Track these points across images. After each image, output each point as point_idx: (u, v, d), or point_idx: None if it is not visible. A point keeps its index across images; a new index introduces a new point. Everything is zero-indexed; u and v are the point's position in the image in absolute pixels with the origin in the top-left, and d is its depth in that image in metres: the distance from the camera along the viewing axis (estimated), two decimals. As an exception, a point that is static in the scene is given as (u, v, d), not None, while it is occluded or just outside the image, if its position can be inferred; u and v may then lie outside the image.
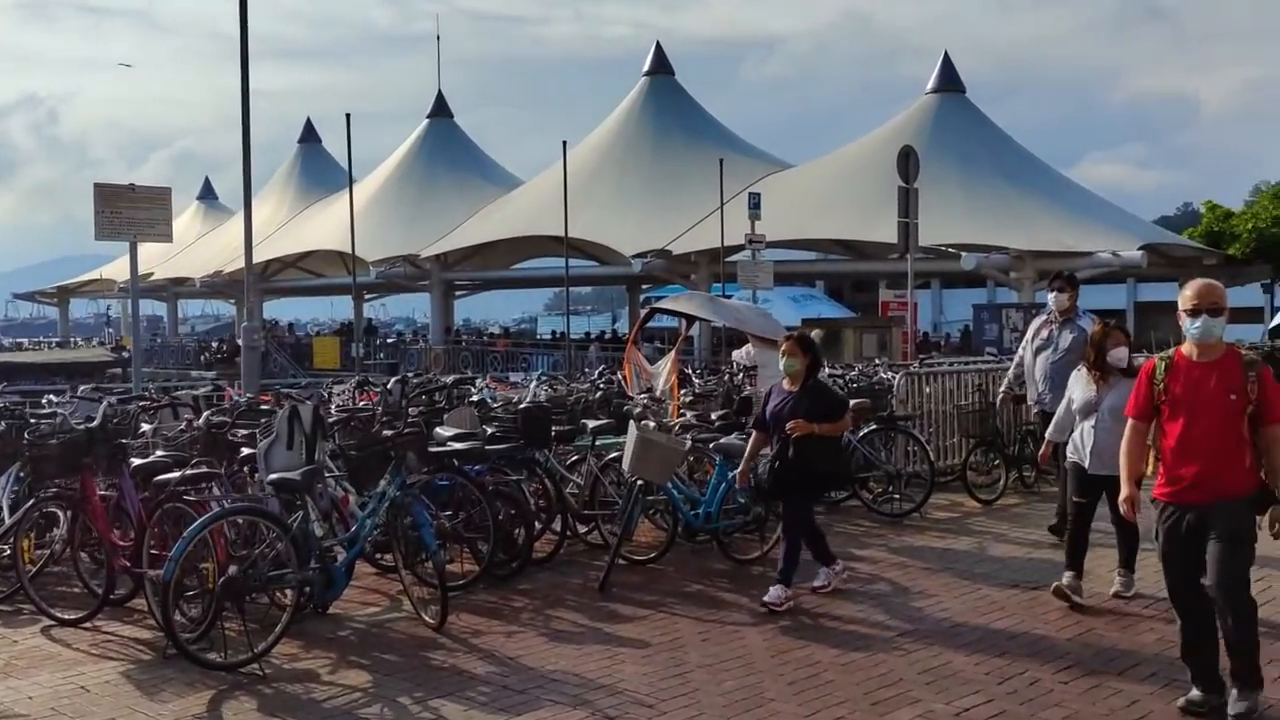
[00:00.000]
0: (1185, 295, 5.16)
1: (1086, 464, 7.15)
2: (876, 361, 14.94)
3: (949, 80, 31.83)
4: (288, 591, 6.55)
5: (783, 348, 7.67)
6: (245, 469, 7.82)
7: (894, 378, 12.19)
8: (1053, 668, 6.01)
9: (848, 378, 12.49)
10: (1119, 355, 7.18)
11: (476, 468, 8.19)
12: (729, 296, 22.55)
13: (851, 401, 10.58)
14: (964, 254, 25.22)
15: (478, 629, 6.90)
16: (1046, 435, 7.94)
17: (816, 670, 6.04)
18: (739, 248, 23.68)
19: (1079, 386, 7.31)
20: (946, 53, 32.61)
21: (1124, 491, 5.51)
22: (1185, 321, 5.15)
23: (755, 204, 21.62)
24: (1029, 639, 6.53)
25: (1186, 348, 5.24)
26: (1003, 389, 10.24)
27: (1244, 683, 5.15)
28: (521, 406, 8.93)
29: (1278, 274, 28.46)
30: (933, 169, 26.43)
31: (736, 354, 13.37)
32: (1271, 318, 35.47)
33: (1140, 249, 25.43)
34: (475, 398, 10.64)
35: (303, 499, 6.65)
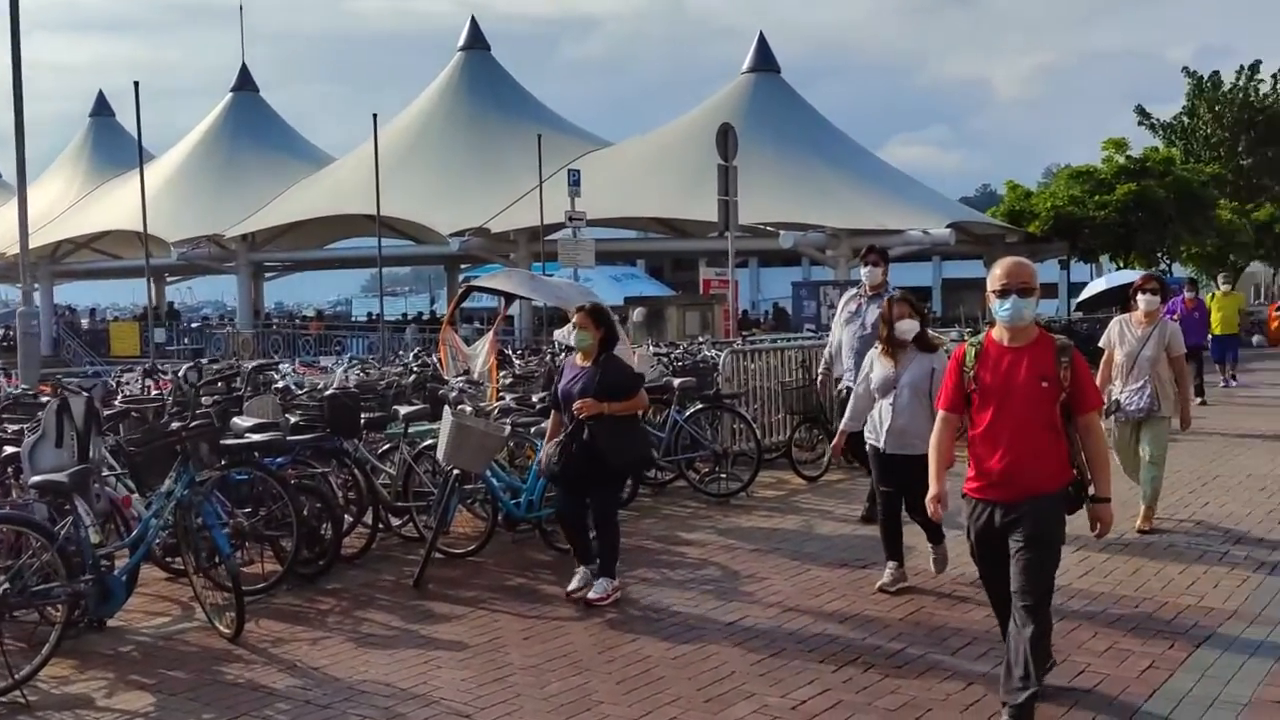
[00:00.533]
0: (994, 275, 4.79)
1: (882, 444, 6.85)
2: (700, 339, 14.78)
3: (764, 61, 32.10)
4: (60, 606, 5.83)
5: (574, 320, 7.11)
6: (10, 470, 6.98)
7: (719, 356, 12.02)
8: (886, 651, 5.84)
9: (672, 356, 12.25)
10: (905, 328, 6.82)
11: (278, 460, 7.57)
12: (550, 275, 22.15)
13: (677, 381, 10.43)
14: (782, 232, 25.45)
15: (279, 637, 6.32)
16: (841, 425, 7.50)
17: (647, 666, 5.71)
18: (559, 226, 23.26)
19: (876, 365, 6.98)
20: (761, 33, 32.98)
21: (932, 489, 5.09)
22: (995, 303, 4.77)
23: (575, 181, 21.24)
24: (861, 621, 6.35)
25: (997, 332, 4.84)
26: (821, 370, 9.86)
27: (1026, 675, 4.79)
28: (328, 393, 8.30)
29: (1074, 251, 29.74)
30: (750, 148, 26.54)
31: (558, 333, 12.98)
32: (1069, 294, 37.37)
33: (948, 227, 26.19)
34: (280, 384, 9.93)
35: (72, 503, 5.92)
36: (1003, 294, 4.72)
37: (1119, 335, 8.60)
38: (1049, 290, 47.21)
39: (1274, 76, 37.61)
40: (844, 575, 7.33)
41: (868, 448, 7.06)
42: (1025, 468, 4.73)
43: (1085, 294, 17.95)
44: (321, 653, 6.04)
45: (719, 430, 10.83)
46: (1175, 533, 8.34)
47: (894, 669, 5.59)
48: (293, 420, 8.19)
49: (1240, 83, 37.41)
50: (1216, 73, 37.99)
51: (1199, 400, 15.80)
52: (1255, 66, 37.49)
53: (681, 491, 10.19)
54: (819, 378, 10.07)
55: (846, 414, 7.36)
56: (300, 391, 9.20)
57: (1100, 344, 8.86)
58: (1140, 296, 8.61)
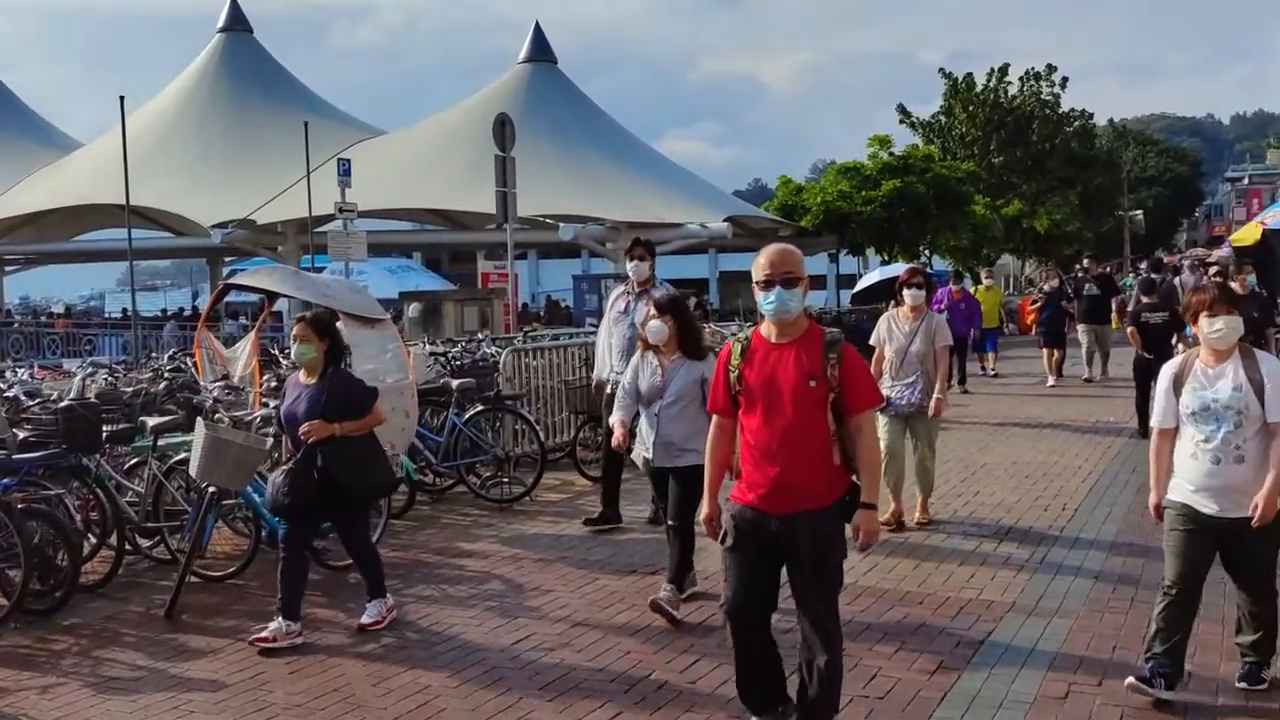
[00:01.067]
0: (757, 264, 4.34)
1: (651, 455, 6.43)
2: (480, 336, 14.30)
3: (541, 51, 31.74)
4: None
5: (294, 331, 6.32)
6: None
7: (499, 353, 11.61)
8: (679, 665, 5.62)
9: (449, 355, 11.76)
10: (653, 330, 6.35)
11: (3, 482, 6.74)
12: (321, 269, 21.15)
13: (455, 382, 9.97)
14: (561, 224, 25.19)
15: (2, 686, 5.57)
16: (611, 419, 6.85)
17: (426, 698, 5.28)
18: (329, 218, 22.23)
19: (642, 370, 6.51)
20: (538, 23, 32.58)
21: (705, 507, 4.61)
22: (759, 296, 4.32)
23: (345, 171, 20.26)
24: (651, 634, 6.11)
25: (765, 327, 4.40)
26: (595, 376, 9.00)
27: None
28: (62, 405, 7.44)
29: (843, 244, 30.71)
30: (528, 139, 26.14)
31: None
32: (839, 286, 38.69)
33: (725, 221, 26.53)
34: (9, 393, 8.92)
35: None
36: (766, 285, 4.29)
37: (888, 332, 8.55)
38: (818, 282, 48.99)
39: (1021, 80, 39.99)
40: (633, 583, 7.08)
41: (639, 458, 6.70)
42: (797, 478, 4.27)
43: (860, 285, 18.41)
44: (52, 702, 5.35)
45: (500, 432, 10.44)
46: (952, 523, 8.50)
47: (687, 684, 5.37)
48: (20, 436, 7.32)
49: (991, 84, 39.57)
50: (970, 75, 40.08)
51: (960, 389, 16.42)
52: (1004, 70, 39.73)
53: (462, 498, 9.76)
54: (593, 383, 9.26)
55: (615, 412, 6.81)
56: (32, 402, 8.23)
57: (870, 342, 8.75)
58: (906, 291, 8.60)
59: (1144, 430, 14.17)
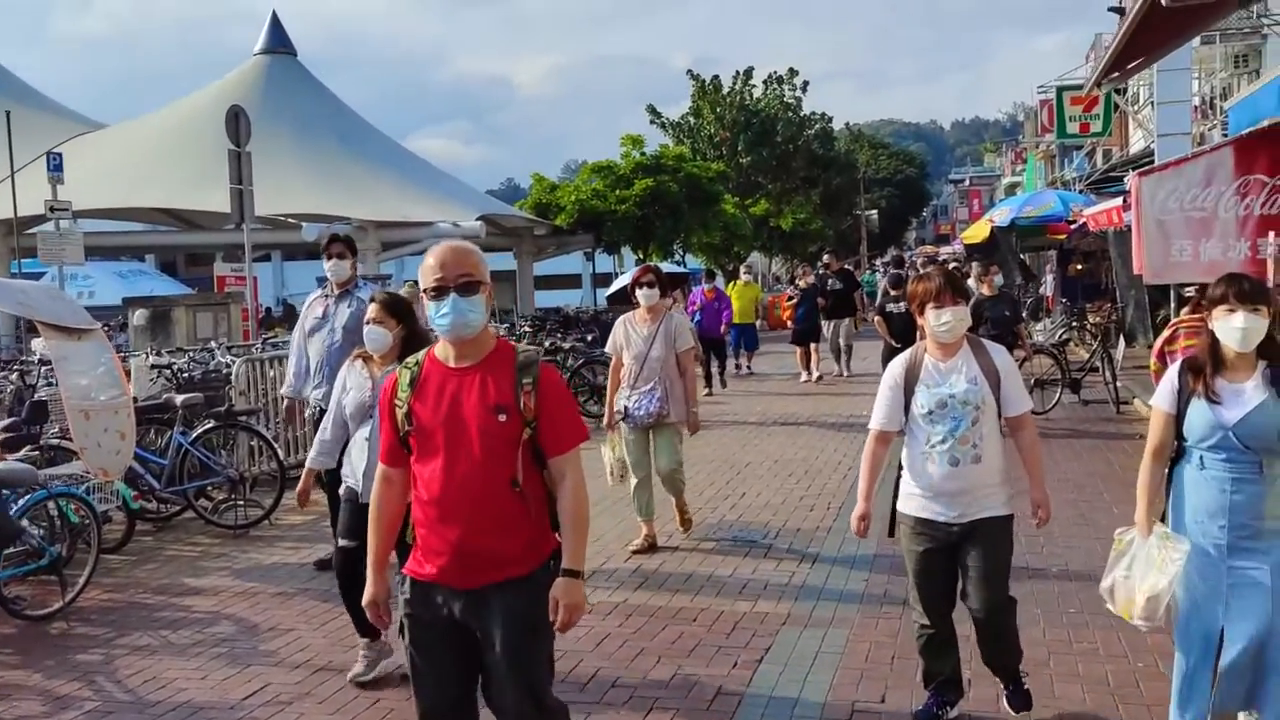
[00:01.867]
0: (426, 266, 3.43)
1: (360, 489, 5.22)
2: (213, 344, 13.15)
3: (279, 41, 30.00)
4: None
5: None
6: None
7: (234, 363, 10.63)
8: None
9: (176, 366, 10.68)
10: (372, 336, 5.34)
11: None
12: (40, 275, 19.23)
13: (180, 398, 8.99)
14: (304, 224, 23.81)
15: None
16: (308, 463, 5.66)
17: (134, 777, 4.50)
18: (41, 218, 20.21)
19: (352, 383, 5.37)
20: (275, 12, 30.82)
21: (369, 591, 3.61)
22: (430, 308, 3.39)
23: (56, 166, 18.44)
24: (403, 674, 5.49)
25: (441, 348, 3.50)
26: (284, 393, 7.67)
27: None
28: None
29: (598, 243, 30.59)
30: (267, 134, 24.68)
31: (36, 343, 10.94)
32: (594, 285, 38.64)
33: (478, 219, 25.80)
34: None
35: None
36: (438, 292, 3.36)
37: (625, 337, 7.81)
38: (574, 281, 48.95)
39: (764, 83, 41.04)
40: (384, 615, 6.43)
41: (343, 489, 5.45)
42: (486, 541, 3.34)
43: (614, 286, 18.08)
44: None
45: (235, 451, 9.51)
46: (721, 529, 8.25)
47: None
48: None
49: (737, 87, 40.43)
50: (716, 77, 40.79)
51: (707, 391, 16.22)
52: (749, 73, 40.66)
53: (191, 525, 8.80)
54: (283, 403, 7.80)
55: (313, 450, 5.64)
56: None
57: (607, 348, 8.18)
58: (639, 291, 7.86)
59: None
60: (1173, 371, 4.27)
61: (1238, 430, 4.00)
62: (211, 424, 9.01)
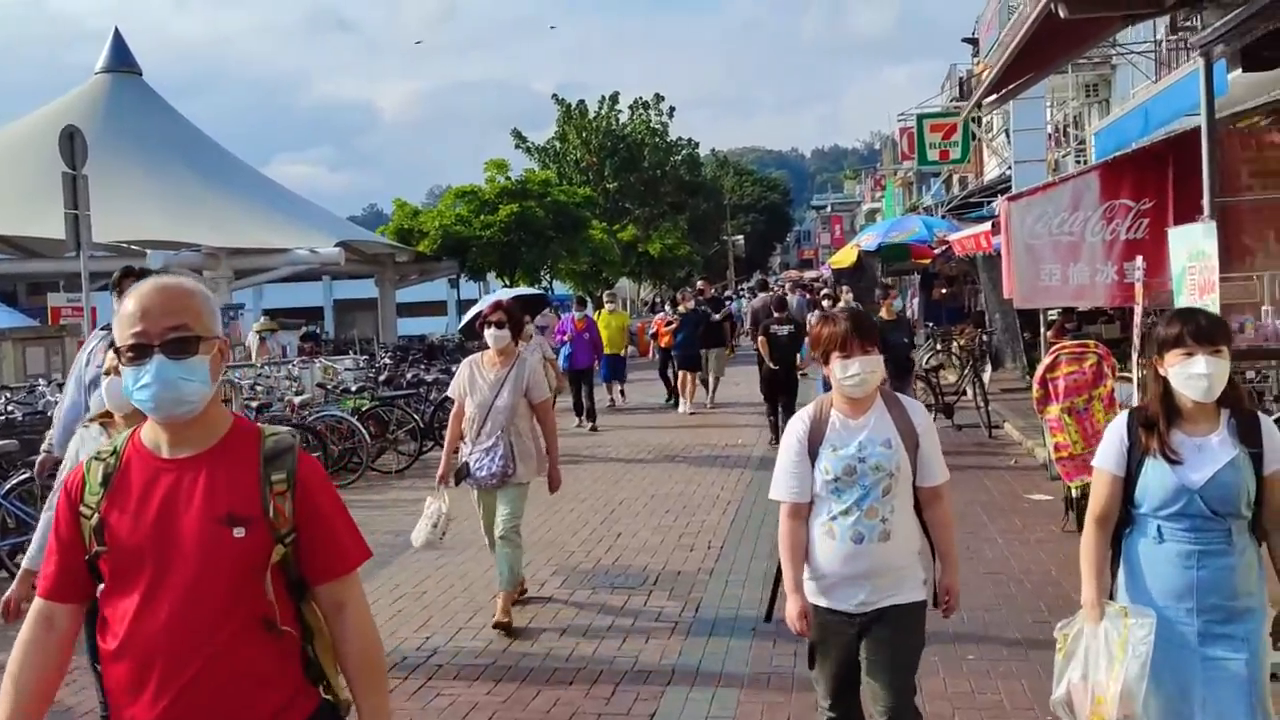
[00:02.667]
0: (124, 314, 2.40)
1: None
2: (40, 384, 12.11)
3: (122, 60, 28.51)
4: None
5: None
6: None
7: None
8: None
9: (-6, 409, 9.70)
10: (110, 388, 4.31)
11: None
12: None
13: (-9, 445, 8.07)
14: (150, 252, 22.54)
15: None
16: (25, 562, 4.44)
17: None
18: None
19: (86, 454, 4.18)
20: (117, 29, 29.29)
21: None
22: (128, 375, 2.38)
23: None
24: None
25: (147, 431, 2.47)
26: (43, 449, 6.28)
27: None
28: None
29: (463, 269, 29.87)
30: (109, 157, 23.46)
31: None
32: (459, 312, 37.80)
33: (337, 245, 24.87)
34: None
35: None
36: (137, 356, 2.36)
37: (469, 381, 6.77)
38: (438, 308, 47.95)
39: (631, 108, 40.98)
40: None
41: None
42: (213, 707, 2.31)
43: (465, 319, 16.35)
44: None
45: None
46: (596, 573, 7.74)
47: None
48: None
49: (603, 111, 40.24)
50: (582, 101, 40.61)
51: (589, 426, 15.61)
52: (615, 97, 40.56)
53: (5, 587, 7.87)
54: (39, 460, 6.36)
55: (35, 539, 4.64)
56: None
57: (449, 393, 7.14)
58: (488, 332, 6.76)
59: (776, 441, 14.59)
60: (1119, 425, 3.58)
61: (1205, 493, 3.35)
62: (27, 474, 8.11)
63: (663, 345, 17.85)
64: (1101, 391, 8.13)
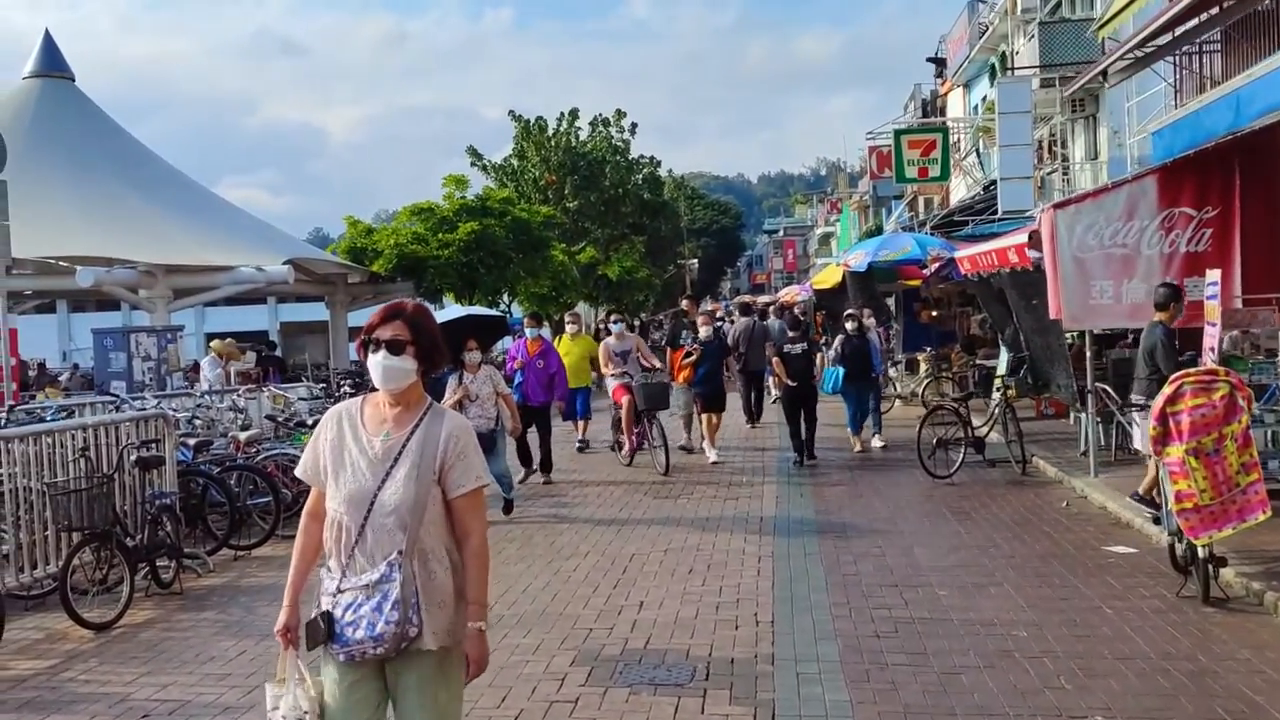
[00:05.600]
0: None
1: None
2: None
3: (53, 64, 26.44)
4: None
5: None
6: None
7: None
8: None
9: None
10: None
11: None
12: None
13: None
14: (80, 268, 20.64)
15: None
16: None
17: None
18: None
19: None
20: (47, 30, 27.25)
21: None
22: None
23: None
24: None
25: None
26: None
27: None
28: None
29: (419, 290, 28.05)
30: (36, 166, 21.63)
31: None
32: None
33: (286, 263, 23.06)
34: None
35: None
36: None
37: (334, 448, 3.55)
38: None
39: (591, 125, 39.49)
40: None
41: None
42: None
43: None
44: None
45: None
46: (628, 660, 6.14)
47: None
48: None
49: (563, 129, 38.74)
50: (541, 117, 39.04)
51: (543, 479, 12.74)
52: (574, 114, 39.04)
53: None
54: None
55: None
56: None
57: (298, 471, 3.70)
58: (373, 358, 3.53)
59: (801, 460, 13.71)
60: None
61: None
62: None
63: (679, 382, 14.89)
64: (1234, 429, 6.69)
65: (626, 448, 13.89)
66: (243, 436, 10.20)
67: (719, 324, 16.22)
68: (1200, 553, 6.80)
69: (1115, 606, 6.90)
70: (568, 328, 15.98)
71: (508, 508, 10.64)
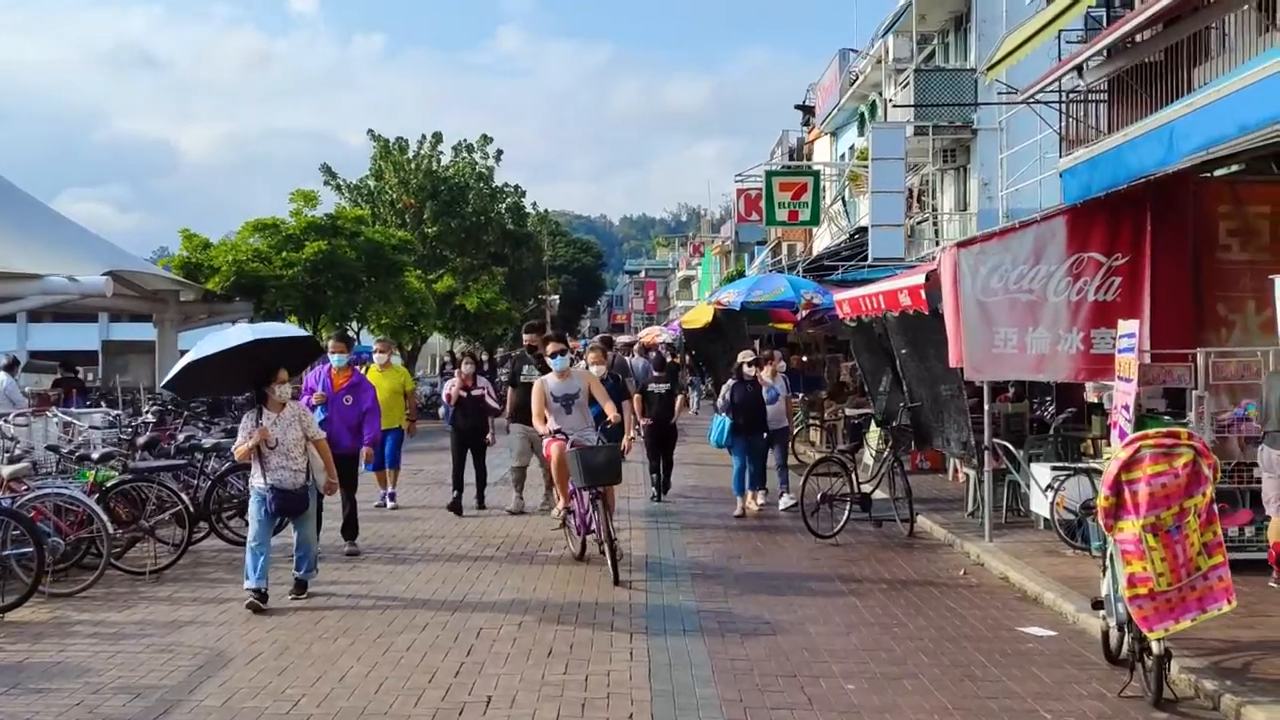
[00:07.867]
0: None
1: None
2: None
3: None
4: None
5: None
6: None
7: None
8: None
9: None
10: None
11: None
12: None
13: None
14: None
15: None
16: None
17: None
18: None
19: None
20: None
21: None
22: None
23: None
24: None
25: None
26: None
27: None
28: None
29: (259, 311, 25.95)
30: None
31: None
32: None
33: (105, 274, 20.86)
34: None
35: None
36: None
37: None
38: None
39: (454, 149, 37.96)
40: None
41: None
42: None
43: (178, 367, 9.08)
44: None
45: None
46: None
47: None
48: None
49: (424, 151, 37.12)
50: (402, 138, 37.33)
51: (347, 547, 10.09)
52: (438, 137, 37.48)
53: None
54: None
55: None
56: None
57: None
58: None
59: (659, 496, 13.53)
60: None
61: None
62: None
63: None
64: (1198, 502, 5.68)
65: (573, 527, 9.88)
66: (5, 472, 8.37)
67: (615, 355, 14.48)
68: (1155, 648, 5.75)
69: (1054, 710, 5.80)
70: (375, 357, 13.50)
71: (300, 588, 8.36)
